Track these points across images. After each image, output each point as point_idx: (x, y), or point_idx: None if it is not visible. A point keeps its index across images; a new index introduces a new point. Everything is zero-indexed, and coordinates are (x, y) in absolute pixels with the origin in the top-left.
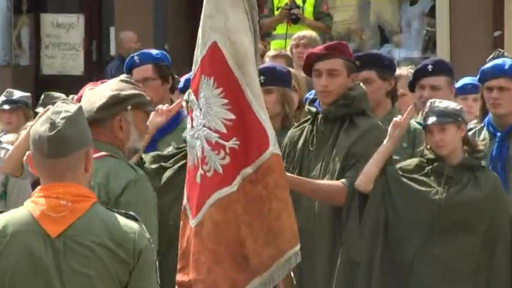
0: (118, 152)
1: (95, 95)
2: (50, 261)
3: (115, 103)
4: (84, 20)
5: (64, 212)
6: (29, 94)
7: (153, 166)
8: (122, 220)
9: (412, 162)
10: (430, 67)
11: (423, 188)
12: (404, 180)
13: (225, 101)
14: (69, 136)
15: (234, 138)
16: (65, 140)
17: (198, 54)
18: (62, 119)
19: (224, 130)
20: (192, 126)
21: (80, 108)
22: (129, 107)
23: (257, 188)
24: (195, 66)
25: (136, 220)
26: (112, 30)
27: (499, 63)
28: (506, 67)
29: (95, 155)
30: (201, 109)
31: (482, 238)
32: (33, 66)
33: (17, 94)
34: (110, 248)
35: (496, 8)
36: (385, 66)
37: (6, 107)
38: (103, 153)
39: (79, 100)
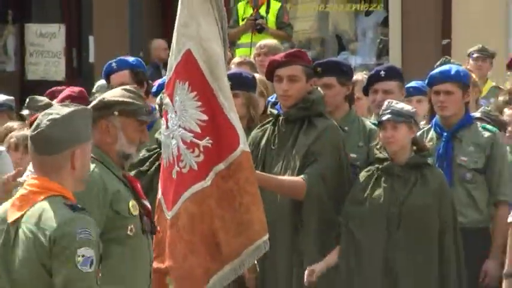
0: (101, 154)
1: None
2: (1, 246)
3: (100, 107)
4: (65, 30)
5: (24, 202)
6: (12, 98)
7: (132, 173)
8: (59, 210)
9: (363, 176)
10: (382, 73)
11: (378, 204)
12: (358, 213)
13: (199, 103)
14: (51, 137)
15: (207, 138)
16: (47, 140)
17: (173, 60)
18: (48, 120)
19: (198, 130)
20: (167, 127)
21: (74, 111)
22: (116, 113)
23: (228, 183)
24: (170, 72)
25: (74, 210)
26: (91, 38)
27: (446, 69)
28: (452, 73)
29: None
30: (176, 111)
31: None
32: (18, 72)
33: (1, 98)
34: (35, 235)
35: (444, 18)
36: (344, 73)
37: None
38: None
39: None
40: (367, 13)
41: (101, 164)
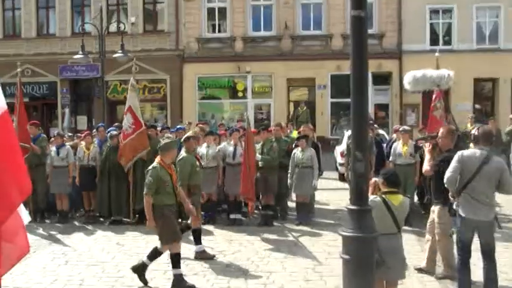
0: (188, 151)
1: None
2: None
3: (187, 137)
4: (86, 118)
5: None
6: None
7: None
8: (151, 166)
9: None
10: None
11: None
12: None
13: (131, 115)
14: (161, 147)
15: (133, 126)
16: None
17: (126, 108)
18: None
19: (131, 123)
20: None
21: (168, 142)
22: (192, 139)
23: (134, 137)
24: (126, 110)
25: (152, 168)
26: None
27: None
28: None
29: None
30: (125, 120)
31: None
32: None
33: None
34: None
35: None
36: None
37: None
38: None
39: None
40: None
41: (188, 154)
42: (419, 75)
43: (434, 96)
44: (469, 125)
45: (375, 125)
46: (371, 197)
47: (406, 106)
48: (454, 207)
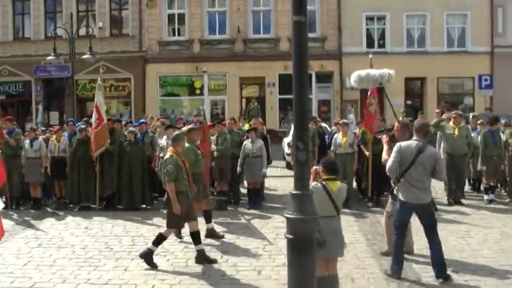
0: (191, 142)
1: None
2: None
3: (189, 129)
4: (58, 114)
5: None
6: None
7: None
8: (168, 154)
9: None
10: None
11: None
12: None
13: (96, 112)
14: (173, 138)
15: (97, 121)
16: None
17: (93, 105)
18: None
19: (96, 118)
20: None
21: (179, 132)
22: (193, 131)
23: (98, 130)
24: (93, 107)
25: (169, 156)
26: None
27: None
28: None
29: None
30: (94, 116)
31: None
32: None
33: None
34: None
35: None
36: None
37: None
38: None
39: None
40: None
41: (190, 145)
42: (363, 74)
43: (369, 93)
44: (400, 118)
45: (318, 119)
46: (312, 183)
47: (346, 102)
48: (395, 192)
